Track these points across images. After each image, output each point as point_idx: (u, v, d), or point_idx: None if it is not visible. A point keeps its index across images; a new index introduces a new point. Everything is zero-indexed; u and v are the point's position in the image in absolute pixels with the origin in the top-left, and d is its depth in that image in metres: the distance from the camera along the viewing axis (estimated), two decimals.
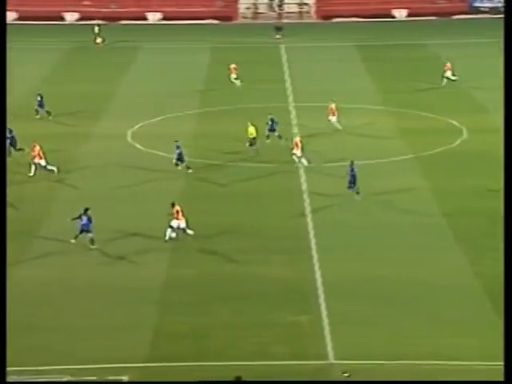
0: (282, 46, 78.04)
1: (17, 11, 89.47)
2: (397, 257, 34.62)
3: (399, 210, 39.32)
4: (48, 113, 54.16)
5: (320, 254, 34.74)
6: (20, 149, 45.58)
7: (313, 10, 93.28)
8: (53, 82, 64.18)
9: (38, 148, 43.32)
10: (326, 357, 27.30)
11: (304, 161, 44.93)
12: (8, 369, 25.50)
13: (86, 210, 35.03)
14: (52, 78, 65.68)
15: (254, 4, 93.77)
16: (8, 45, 78.43)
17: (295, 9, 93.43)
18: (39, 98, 54.45)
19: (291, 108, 56.89)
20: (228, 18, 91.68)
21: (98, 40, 78.20)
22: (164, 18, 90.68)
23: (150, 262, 34.13)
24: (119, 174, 44.23)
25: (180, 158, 43.66)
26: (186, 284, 32.30)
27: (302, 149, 45.11)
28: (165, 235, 35.44)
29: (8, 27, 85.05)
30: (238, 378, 24.35)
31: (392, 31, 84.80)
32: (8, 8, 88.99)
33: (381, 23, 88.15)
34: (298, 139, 45.49)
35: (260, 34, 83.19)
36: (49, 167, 43.34)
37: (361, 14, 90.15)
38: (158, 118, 54.37)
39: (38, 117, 53.90)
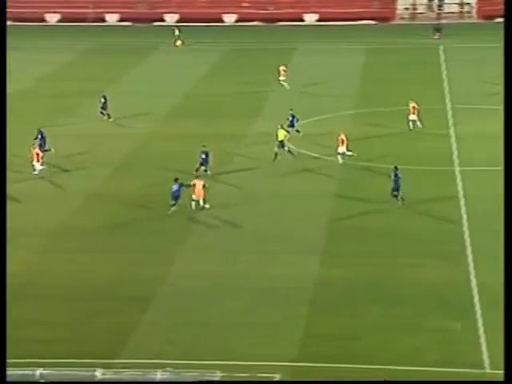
0: (441, 47, 76.55)
1: (179, 13, 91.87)
2: None
3: None
4: (108, 116, 53.67)
5: (476, 260, 33.79)
6: (46, 150, 45.85)
7: (474, 9, 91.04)
8: (211, 82, 65.41)
9: (35, 151, 44.16)
10: (480, 365, 26.52)
11: (349, 153, 44.84)
12: (156, 361, 26.11)
13: (176, 179, 39.05)
14: (210, 79, 66.93)
15: (413, 4, 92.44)
16: (168, 47, 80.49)
17: (456, 9, 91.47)
18: (103, 100, 53.97)
19: (448, 109, 55.72)
20: (385, 19, 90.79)
21: (178, 42, 78.64)
22: (320, 19, 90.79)
23: (303, 262, 34.15)
24: (271, 174, 44.52)
25: (203, 163, 43.39)
26: (337, 285, 32.11)
27: (348, 146, 44.71)
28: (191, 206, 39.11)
29: (168, 29, 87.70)
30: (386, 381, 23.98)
31: None
32: (170, 10, 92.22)
33: None
34: (343, 136, 45.05)
35: (418, 35, 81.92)
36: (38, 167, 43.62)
37: None
38: (313, 119, 54.41)
39: (105, 118, 53.61)
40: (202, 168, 43.67)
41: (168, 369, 25.31)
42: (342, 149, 45.02)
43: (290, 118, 49.45)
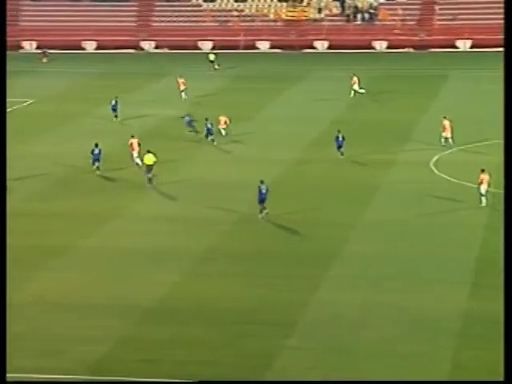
0: None
1: (328, 40, 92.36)
2: None
3: None
4: (116, 117, 59.52)
5: None
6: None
7: None
8: (358, 109, 65.19)
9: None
10: None
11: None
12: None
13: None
14: (357, 106, 66.71)
15: None
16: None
17: None
18: (113, 103, 59.78)
19: None
20: None
21: (216, 66, 77.91)
22: (473, 46, 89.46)
23: (448, 293, 33.34)
24: (419, 201, 43.90)
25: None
26: (487, 318, 31.10)
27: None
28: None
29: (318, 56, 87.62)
30: None
31: None
32: (319, 38, 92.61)
33: None
34: (446, 122, 51.51)
35: None
36: None
37: None
38: (467, 146, 53.45)
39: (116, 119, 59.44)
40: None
41: None
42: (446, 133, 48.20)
43: (340, 139, 50.46)
